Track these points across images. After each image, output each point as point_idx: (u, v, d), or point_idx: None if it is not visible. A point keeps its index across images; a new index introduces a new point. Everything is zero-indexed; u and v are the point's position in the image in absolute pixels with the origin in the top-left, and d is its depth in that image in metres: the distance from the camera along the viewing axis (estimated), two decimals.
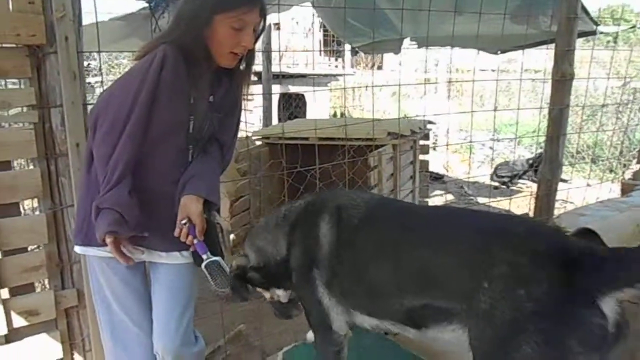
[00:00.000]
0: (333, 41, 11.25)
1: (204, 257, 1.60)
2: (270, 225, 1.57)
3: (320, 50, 11.26)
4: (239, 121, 1.89)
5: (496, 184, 7.47)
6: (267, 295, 1.62)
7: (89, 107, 2.06)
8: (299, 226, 1.44)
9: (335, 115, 11.88)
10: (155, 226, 1.65)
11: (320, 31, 11.32)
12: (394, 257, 1.20)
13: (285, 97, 9.91)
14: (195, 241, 1.58)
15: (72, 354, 2.14)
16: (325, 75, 11.26)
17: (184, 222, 1.58)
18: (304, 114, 10.28)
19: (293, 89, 9.74)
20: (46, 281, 2.20)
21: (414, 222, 1.26)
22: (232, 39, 1.59)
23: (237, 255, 1.61)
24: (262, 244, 1.55)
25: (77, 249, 1.71)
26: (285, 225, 1.50)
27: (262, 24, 1.66)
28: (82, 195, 1.69)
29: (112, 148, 1.52)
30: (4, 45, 1.86)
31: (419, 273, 1.14)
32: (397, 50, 5.89)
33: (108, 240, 1.51)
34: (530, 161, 7.53)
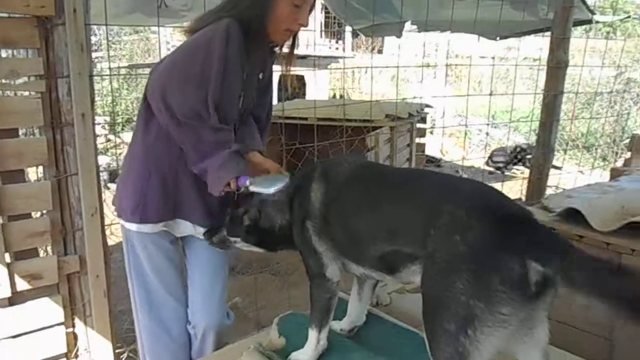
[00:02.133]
0: (334, 23, 11.19)
1: (248, 182, 1.58)
2: (277, 196, 1.62)
3: (320, 30, 11.18)
4: (272, 97, 1.92)
5: (491, 169, 7.55)
6: (243, 246, 1.66)
7: (95, 79, 2.12)
8: (296, 190, 1.54)
9: (334, 97, 11.88)
10: (201, 202, 1.68)
11: (321, 13, 11.24)
12: (370, 211, 1.36)
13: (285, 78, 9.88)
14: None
15: (73, 319, 2.19)
16: (326, 57, 11.23)
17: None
18: (303, 95, 10.28)
19: (293, 69, 9.70)
20: (49, 248, 2.27)
21: (386, 181, 1.44)
22: (291, 16, 1.61)
23: (251, 209, 1.61)
24: (270, 211, 1.60)
25: (132, 226, 1.70)
26: (287, 194, 1.58)
27: (314, 2, 1.68)
28: (138, 168, 1.67)
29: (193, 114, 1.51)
30: (13, 15, 1.89)
31: (388, 224, 1.31)
32: (398, 34, 5.89)
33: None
34: (518, 149, 7.59)
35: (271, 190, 1.56)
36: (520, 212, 1.21)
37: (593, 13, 4.07)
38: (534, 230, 1.16)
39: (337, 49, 12.16)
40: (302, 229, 1.47)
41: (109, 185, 6.15)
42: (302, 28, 1.69)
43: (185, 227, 1.73)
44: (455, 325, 1.12)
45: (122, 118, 8.49)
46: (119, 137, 7.51)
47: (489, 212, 1.17)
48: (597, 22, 4.33)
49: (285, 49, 1.79)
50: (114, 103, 7.89)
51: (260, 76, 1.74)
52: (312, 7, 1.69)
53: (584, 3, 3.91)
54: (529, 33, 4.65)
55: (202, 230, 1.72)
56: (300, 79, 10.36)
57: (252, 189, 1.58)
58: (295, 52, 1.83)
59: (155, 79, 1.58)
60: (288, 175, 1.61)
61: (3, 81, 1.95)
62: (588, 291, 1.07)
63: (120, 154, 6.94)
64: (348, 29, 9.82)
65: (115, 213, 1.80)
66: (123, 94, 8.96)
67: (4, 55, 2.54)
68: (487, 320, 1.10)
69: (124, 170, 1.76)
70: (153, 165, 1.64)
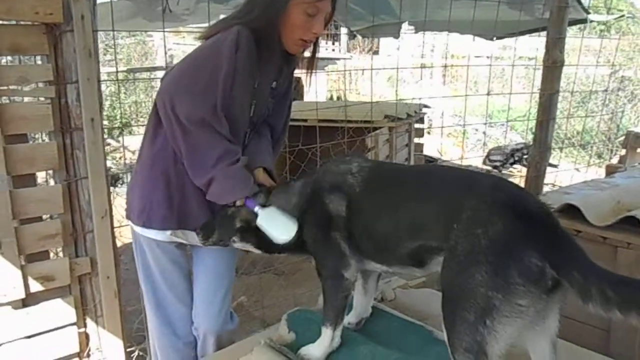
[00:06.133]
0: (330, 25, 11.25)
1: (256, 209, 1.54)
2: (281, 200, 1.60)
3: None
4: (290, 106, 1.90)
5: (489, 168, 7.61)
6: (240, 246, 1.65)
7: (103, 84, 2.17)
8: (312, 200, 1.53)
9: (332, 98, 11.95)
10: (209, 211, 1.67)
11: None
12: (394, 213, 1.40)
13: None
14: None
15: (85, 319, 2.24)
16: (323, 59, 11.30)
17: None
18: (301, 97, 10.32)
19: None
20: (60, 250, 2.31)
21: (405, 182, 1.47)
22: (304, 25, 1.56)
23: (244, 211, 1.58)
24: None
25: (137, 229, 1.73)
26: (296, 198, 1.56)
27: (331, 12, 1.63)
28: (146, 174, 1.68)
29: (201, 124, 1.49)
30: (22, 22, 1.93)
31: (414, 222, 1.35)
32: (396, 35, 5.98)
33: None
34: (518, 147, 7.65)
35: (280, 239, 1.50)
36: (539, 208, 1.24)
37: (588, 12, 4.13)
38: (552, 228, 1.19)
39: (333, 50, 12.23)
40: (328, 238, 1.47)
41: (111, 189, 6.17)
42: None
43: (193, 237, 1.73)
44: (474, 316, 1.16)
45: (121, 122, 8.53)
46: (118, 141, 7.54)
47: (509, 207, 1.20)
48: (592, 21, 4.41)
49: (307, 53, 1.75)
50: (114, 107, 7.92)
51: (274, 85, 1.72)
52: (330, 16, 1.64)
53: (579, 3, 3.97)
54: (525, 33, 4.72)
55: None
56: (298, 81, 10.41)
57: (259, 223, 1.53)
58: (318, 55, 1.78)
59: (164, 86, 1.57)
60: (296, 222, 1.51)
61: (13, 87, 2.00)
62: (607, 306, 1.06)
63: (120, 157, 6.98)
64: (344, 30, 9.88)
65: (125, 214, 1.83)
66: (121, 98, 8.98)
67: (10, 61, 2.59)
68: (505, 311, 1.14)
69: (134, 173, 1.78)
70: (160, 172, 1.64)
